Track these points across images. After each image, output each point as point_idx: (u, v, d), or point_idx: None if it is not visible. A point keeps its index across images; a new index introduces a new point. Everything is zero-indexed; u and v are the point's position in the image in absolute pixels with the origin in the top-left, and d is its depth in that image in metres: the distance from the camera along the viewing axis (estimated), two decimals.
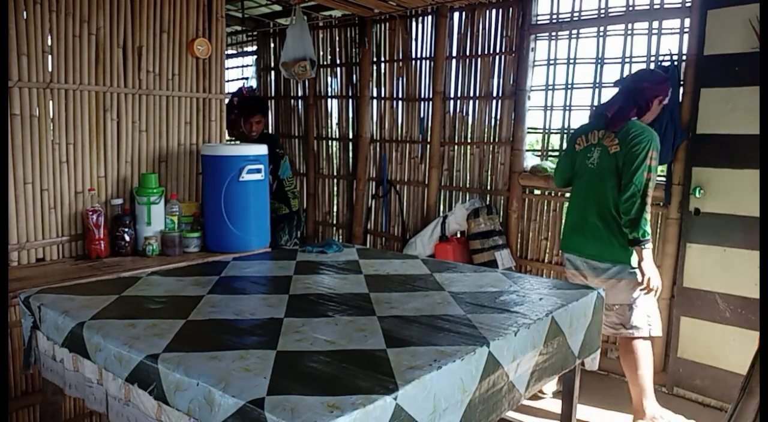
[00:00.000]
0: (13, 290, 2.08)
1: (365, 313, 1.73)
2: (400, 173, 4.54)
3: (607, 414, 3.04)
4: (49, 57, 2.51)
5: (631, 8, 3.43)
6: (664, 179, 3.31)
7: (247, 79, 5.77)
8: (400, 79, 4.46)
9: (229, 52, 5.85)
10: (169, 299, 1.86)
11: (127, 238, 2.70)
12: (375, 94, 4.63)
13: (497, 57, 3.97)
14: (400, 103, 4.49)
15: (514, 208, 3.92)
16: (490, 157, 4.05)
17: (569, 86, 3.74)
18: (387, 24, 4.46)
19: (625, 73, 3.47)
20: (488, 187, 4.07)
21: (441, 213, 4.29)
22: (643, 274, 2.67)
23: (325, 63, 4.89)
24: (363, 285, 2.05)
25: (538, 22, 3.78)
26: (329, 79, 4.94)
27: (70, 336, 1.62)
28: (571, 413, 2.09)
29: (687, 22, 3.19)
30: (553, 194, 3.81)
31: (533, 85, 3.88)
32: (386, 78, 4.54)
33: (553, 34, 3.76)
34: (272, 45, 5.27)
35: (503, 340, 1.54)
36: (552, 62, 3.79)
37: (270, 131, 5.11)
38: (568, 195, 3.81)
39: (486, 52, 4.01)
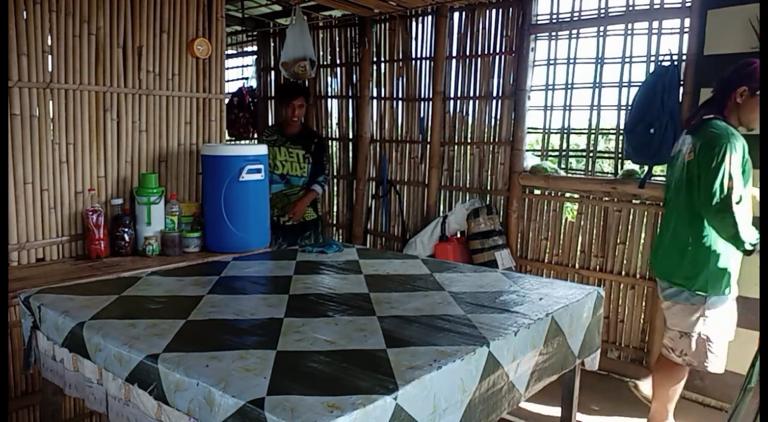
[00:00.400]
0: (13, 290, 2.08)
1: (365, 313, 1.73)
2: (400, 173, 4.54)
3: (606, 414, 3.03)
4: (49, 57, 2.51)
5: (631, 8, 3.42)
6: (664, 179, 3.31)
7: (247, 79, 5.76)
8: (400, 79, 4.46)
9: (229, 52, 5.85)
10: (169, 299, 1.86)
11: (127, 238, 2.70)
12: (375, 94, 4.63)
13: (497, 57, 3.97)
14: (400, 103, 4.49)
15: (514, 208, 3.92)
16: (490, 157, 4.05)
17: (569, 86, 3.74)
18: (387, 24, 4.45)
19: (625, 74, 3.48)
20: (488, 187, 4.07)
21: (441, 214, 4.29)
22: None
23: (325, 63, 4.89)
24: (363, 285, 2.05)
25: (538, 22, 3.78)
26: (329, 79, 4.94)
27: (70, 336, 1.62)
28: (571, 413, 2.09)
29: (687, 22, 3.18)
30: (553, 194, 3.81)
31: (533, 85, 3.88)
32: (386, 78, 4.54)
33: (553, 34, 3.76)
34: (272, 45, 5.26)
35: (503, 340, 1.54)
36: (552, 62, 3.79)
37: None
38: (568, 194, 3.83)
39: (486, 52, 4.00)
